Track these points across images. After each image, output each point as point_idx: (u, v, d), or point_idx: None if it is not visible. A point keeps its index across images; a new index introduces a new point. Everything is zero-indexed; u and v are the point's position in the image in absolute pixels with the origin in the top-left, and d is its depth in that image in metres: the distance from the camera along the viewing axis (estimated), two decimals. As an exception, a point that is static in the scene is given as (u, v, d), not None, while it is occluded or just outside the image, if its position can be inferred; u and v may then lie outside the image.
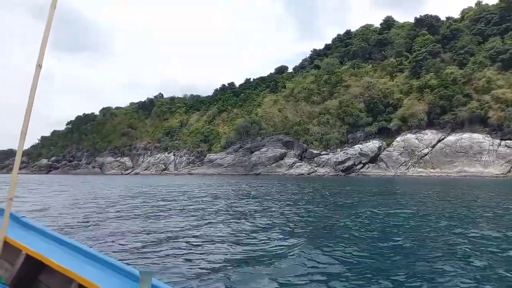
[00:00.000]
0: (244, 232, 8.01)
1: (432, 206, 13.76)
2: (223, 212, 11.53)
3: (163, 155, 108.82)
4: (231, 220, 9.65)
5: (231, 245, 6.62)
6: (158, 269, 4.95)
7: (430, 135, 60.66)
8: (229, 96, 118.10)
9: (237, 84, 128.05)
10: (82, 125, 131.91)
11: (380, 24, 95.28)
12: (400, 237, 7.58)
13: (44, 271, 2.14)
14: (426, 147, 59.13)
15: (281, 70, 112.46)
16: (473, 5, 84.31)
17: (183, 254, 5.93)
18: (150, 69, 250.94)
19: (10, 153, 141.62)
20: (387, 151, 62.69)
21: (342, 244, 6.71)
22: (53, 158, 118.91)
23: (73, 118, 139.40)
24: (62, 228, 8.08)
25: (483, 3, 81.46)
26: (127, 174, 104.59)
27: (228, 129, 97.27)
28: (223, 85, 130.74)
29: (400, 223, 9.53)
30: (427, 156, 57.80)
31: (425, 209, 12.52)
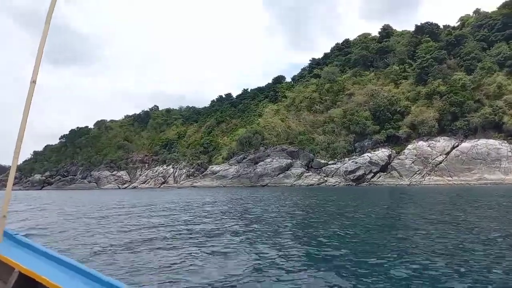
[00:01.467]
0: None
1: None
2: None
3: (161, 168, 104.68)
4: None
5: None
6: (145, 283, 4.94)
7: (443, 142, 58.21)
8: (227, 107, 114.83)
9: (234, 95, 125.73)
10: (76, 139, 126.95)
11: (379, 33, 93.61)
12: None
13: None
14: (440, 155, 56.59)
15: (279, 80, 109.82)
16: (464, 14, 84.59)
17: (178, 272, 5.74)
18: (138, 80, 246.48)
19: (1, 169, 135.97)
20: (398, 159, 59.97)
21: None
22: (46, 173, 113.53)
23: (62, 131, 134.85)
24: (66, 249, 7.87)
25: (481, 10, 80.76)
26: (124, 188, 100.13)
27: (229, 140, 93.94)
28: (220, 96, 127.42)
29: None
30: (442, 164, 55.19)
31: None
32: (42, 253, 2.25)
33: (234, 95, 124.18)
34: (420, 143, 60.11)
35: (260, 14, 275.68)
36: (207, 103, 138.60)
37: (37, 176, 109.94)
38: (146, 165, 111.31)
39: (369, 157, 63.40)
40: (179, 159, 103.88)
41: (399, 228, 10.76)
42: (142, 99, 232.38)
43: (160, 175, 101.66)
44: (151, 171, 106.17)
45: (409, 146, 60.85)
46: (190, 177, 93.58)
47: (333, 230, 10.24)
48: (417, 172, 56.33)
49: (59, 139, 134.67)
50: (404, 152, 60.43)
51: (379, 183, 58.70)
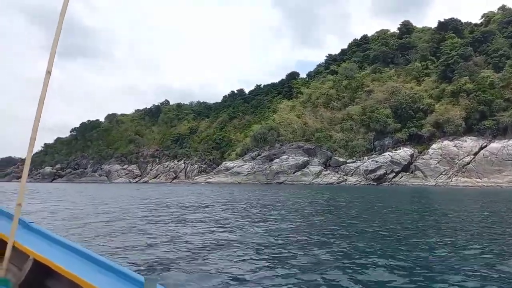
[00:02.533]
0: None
1: None
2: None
3: (173, 163, 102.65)
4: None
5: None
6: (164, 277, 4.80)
7: (470, 142, 55.29)
8: (239, 102, 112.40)
9: (243, 91, 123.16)
10: (87, 132, 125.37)
11: (398, 29, 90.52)
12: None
13: (51, 277, 2.10)
14: (467, 155, 53.69)
15: (293, 76, 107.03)
16: (488, 10, 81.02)
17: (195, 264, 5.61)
18: (146, 75, 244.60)
19: (10, 161, 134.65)
20: (422, 159, 57.13)
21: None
22: (57, 166, 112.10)
23: (70, 124, 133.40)
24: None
25: (506, 7, 77.28)
26: (135, 182, 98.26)
27: (242, 136, 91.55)
28: (232, 91, 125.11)
29: None
30: (470, 164, 52.31)
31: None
32: (56, 241, 2.21)
33: (240, 92, 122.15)
34: (446, 142, 57.20)
35: (269, 13, 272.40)
36: (215, 100, 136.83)
37: (48, 169, 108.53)
38: (157, 159, 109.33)
39: (391, 156, 60.67)
40: (190, 154, 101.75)
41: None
42: (149, 94, 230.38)
43: (171, 170, 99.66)
44: (161, 166, 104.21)
45: (434, 146, 57.96)
46: (202, 172, 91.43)
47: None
48: (443, 173, 53.48)
49: (70, 132, 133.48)
50: (428, 152, 57.57)
51: (401, 183, 55.99)
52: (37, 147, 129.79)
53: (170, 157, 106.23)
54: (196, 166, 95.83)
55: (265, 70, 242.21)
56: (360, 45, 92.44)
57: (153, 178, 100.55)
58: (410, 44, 78.59)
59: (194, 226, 10.21)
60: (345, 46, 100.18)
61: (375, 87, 74.66)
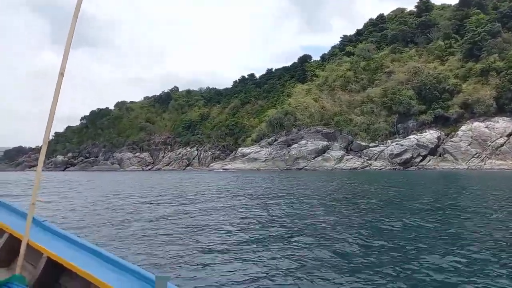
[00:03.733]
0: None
1: None
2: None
3: (185, 150, 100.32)
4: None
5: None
6: (174, 275, 4.76)
7: (502, 123, 52.12)
8: (251, 87, 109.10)
9: (250, 76, 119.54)
10: (98, 120, 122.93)
11: (416, 7, 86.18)
12: None
13: (64, 274, 2.14)
14: (501, 137, 50.60)
15: (305, 59, 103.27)
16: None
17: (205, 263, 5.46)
18: (151, 63, 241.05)
19: (21, 150, 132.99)
20: (452, 141, 54.08)
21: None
22: (69, 155, 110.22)
23: (78, 113, 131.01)
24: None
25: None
26: (148, 170, 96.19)
27: (256, 121, 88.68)
28: (243, 76, 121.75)
29: None
30: (504, 146, 49.27)
31: None
32: (69, 240, 2.23)
33: (251, 76, 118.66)
34: (476, 124, 54.01)
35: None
36: (222, 86, 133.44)
37: (60, 157, 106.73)
38: (169, 146, 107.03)
39: (416, 139, 57.74)
40: (203, 141, 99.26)
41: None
42: (155, 83, 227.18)
43: (184, 157, 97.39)
44: (174, 153, 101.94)
45: (463, 128, 54.79)
46: (216, 159, 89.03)
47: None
48: (475, 156, 50.52)
49: (80, 120, 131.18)
50: (457, 134, 54.46)
51: (429, 167, 53.18)
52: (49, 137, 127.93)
53: (182, 144, 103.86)
54: (209, 152, 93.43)
55: (271, 57, 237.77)
56: (377, 25, 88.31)
57: (166, 165, 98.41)
58: (430, 22, 74.48)
59: (221, 223, 9.44)
60: (353, 30, 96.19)
61: (395, 67, 71.17)
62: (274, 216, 10.53)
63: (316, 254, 6.09)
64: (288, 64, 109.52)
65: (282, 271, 5.13)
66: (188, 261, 5.65)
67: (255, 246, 6.75)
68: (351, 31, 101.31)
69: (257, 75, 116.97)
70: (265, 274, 5.00)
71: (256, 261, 5.68)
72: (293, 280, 4.79)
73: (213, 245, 6.81)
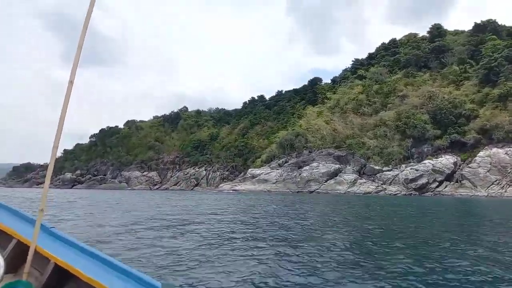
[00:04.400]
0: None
1: None
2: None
3: (193, 170, 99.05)
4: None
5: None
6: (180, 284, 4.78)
7: (523, 150, 50.31)
8: (261, 109, 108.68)
9: (255, 99, 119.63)
10: (107, 138, 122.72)
11: (428, 32, 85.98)
12: None
13: (71, 281, 2.14)
14: (522, 164, 48.71)
15: (315, 81, 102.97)
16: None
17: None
18: (159, 83, 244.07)
19: (29, 167, 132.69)
20: (469, 167, 52.21)
21: None
22: (77, 172, 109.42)
23: (86, 130, 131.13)
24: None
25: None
26: (155, 189, 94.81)
27: (265, 142, 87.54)
28: (253, 97, 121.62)
29: None
30: (526, 174, 47.35)
31: None
32: (77, 246, 2.25)
33: (261, 98, 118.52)
34: (495, 150, 52.18)
35: (283, 21, 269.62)
36: (229, 106, 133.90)
37: (68, 175, 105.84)
38: (177, 166, 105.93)
39: (432, 164, 55.92)
40: (212, 161, 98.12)
41: None
42: (163, 102, 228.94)
43: (192, 177, 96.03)
44: (182, 173, 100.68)
45: (481, 153, 52.98)
46: (225, 180, 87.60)
47: None
48: (495, 183, 48.50)
49: (89, 138, 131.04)
50: (475, 160, 52.61)
51: (446, 193, 51.13)
52: (58, 153, 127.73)
53: (190, 164, 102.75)
54: (218, 173, 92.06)
55: (278, 78, 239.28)
56: (389, 49, 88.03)
57: (174, 185, 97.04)
58: (444, 47, 73.88)
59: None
60: (362, 54, 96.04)
61: (409, 91, 70.20)
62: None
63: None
64: (298, 86, 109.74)
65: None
66: (194, 272, 5.66)
67: (268, 262, 6.74)
68: (360, 55, 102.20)
69: (266, 96, 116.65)
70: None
71: (264, 275, 5.70)
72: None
73: (228, 260, 6.73)
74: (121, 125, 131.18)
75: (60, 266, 2.13)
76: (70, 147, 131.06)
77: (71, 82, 2.05)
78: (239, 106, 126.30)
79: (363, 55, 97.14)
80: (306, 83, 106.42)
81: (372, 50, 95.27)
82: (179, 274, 5.62)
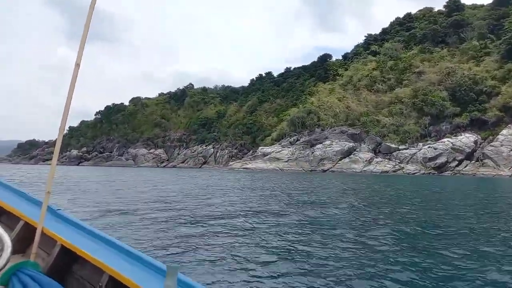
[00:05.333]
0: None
1: None
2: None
3: (201, 148, 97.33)
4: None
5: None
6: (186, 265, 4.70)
7: (548, 128, 48.17)
8: (269, 86, 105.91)
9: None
10: (112, 115, 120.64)
11: (445, 6, 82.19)
12: None
13: (77, 262, 2.17)
14: (547, 142, 46.68)
15: (325, 58, 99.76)
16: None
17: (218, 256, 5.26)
18: (163, 61, 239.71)
19: (34, 144, 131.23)
20: (492, 146, 50.17)
21: None
22: (83, 149, 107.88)
23: (90, 108, 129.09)
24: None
25: None
26: (162, 167, 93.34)
27: (274, 120, 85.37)
28: (260, 74, 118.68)
29: None
30: (553, 152, 45.36)
31: None
32: (83, 228, 2.26)
33: (268, 75, 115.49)
34: (518, 128, 50.12)
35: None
36: (232, 84, 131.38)
37: (74, 152, 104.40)
38: (184, 144, 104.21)
39: (451, 143, 53.94)
40: (219, 139, 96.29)
41: None
42: (167, 81, 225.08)
43: (200, 155, 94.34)
44: (189, 151, 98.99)
45: (504, 132, 50.87)
46: (233, 158, 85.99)
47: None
48: (519, 162, 46.63)
49: (95, 115, 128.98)
50: (498, 138, 50.53)
51: (467, 172, 49.35)
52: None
53: (197, 142, 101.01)
54: (226, 151, 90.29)
55: (283, 57, 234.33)
56: (403, 24, 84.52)
57: (181, 162, 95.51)
58: (464, 21, 70.51)
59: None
60: (366, 32, 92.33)
61: (425, 68, 67.43)
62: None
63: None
64: (304, 63, 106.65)
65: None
66: (201, 254, 5.45)
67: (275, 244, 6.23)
68: (367, 32, 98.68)
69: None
70: (272, 274, 4.53)
71: (271, 261, 5.15)
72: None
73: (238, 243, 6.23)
74: (126, 102, 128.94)
75: (66, 248, 2.12)
76: (73, 124, 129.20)
77: (77, 65, 2.01)
78: (243, 84, 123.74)
79: (370, 32, 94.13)
80: (309, 62, 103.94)
81: (379, 28, 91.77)
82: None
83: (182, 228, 7.51)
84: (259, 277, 4.43)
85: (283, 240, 6.46)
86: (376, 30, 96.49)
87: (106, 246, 2.09)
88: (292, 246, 6.01)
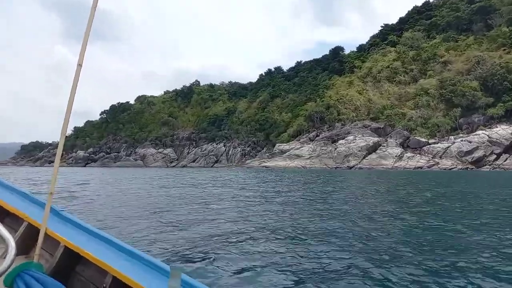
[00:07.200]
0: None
1: None
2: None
3: (211, 146, 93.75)
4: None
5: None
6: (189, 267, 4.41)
7: None
8: (280, 80, 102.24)
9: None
10: (118, 115, 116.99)
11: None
12: None
13: (80, 263, 2.16)
14: None
15: (337, 51, 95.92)
16: None
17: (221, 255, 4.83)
18: (164, 60, 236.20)
19: (37, 145, 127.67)
20: (536, 138, 46.51)
21: None
22: (89, 150, 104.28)
23: (94, 109, 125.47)
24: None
25: None
26: (172, 166, 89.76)
27: (287, 115, 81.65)
28: (269, 69, 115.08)
29: None
30: None
31: None
32: (86, 229, 2.25)
33: (278, 69, 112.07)
34: None
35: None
36: (237, 80, 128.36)
37: (81, 153, 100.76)
38: (194, 142, 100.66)
39: (487, 135, 50.26)
40: (230, 136, 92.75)
41: None
42: (168, 78, 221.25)
43: (211, 153, 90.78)
44: (199, 149, 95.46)
45: (548, 123, 47.22)
46: (246, 156, 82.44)
47: None
48: None
49: (100, 115, 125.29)
50: (541, 130, 46.89)
51: (507, 166, 45.68)
52: (67, 131, 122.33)
53: (207, 140, 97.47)
54: (239, 149, 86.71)
55: (284, 53, 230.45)
56: (422, 13, 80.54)
57: (192, 162, 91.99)
58: (490, 7, 66.59)
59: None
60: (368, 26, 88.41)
61: (451, 57, 63.68)
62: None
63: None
64: (305, 58, 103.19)
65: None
66: (207, 255, 4.92)
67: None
68: (366, 26, 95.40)
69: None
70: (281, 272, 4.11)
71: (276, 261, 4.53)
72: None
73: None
74: (131, 101, 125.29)
75: (70, 249, 2.11)
76: (80, 124, 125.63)
77: (79, 65, 2.00)
78: (247, 80, 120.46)
79: (370, 25, 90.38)
80: (312, 58, 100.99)
81: (381, 21, 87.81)
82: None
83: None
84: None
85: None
86: (379, 23, 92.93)
87: (109, 247, 2.04)
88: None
